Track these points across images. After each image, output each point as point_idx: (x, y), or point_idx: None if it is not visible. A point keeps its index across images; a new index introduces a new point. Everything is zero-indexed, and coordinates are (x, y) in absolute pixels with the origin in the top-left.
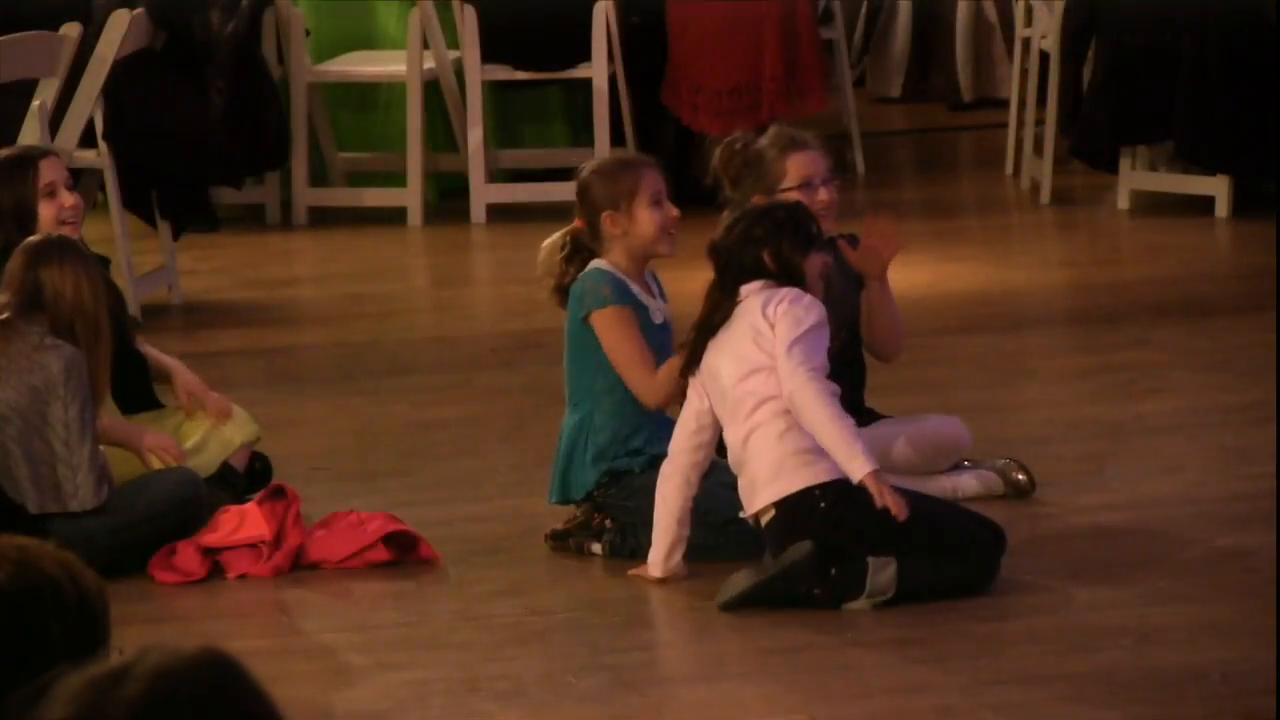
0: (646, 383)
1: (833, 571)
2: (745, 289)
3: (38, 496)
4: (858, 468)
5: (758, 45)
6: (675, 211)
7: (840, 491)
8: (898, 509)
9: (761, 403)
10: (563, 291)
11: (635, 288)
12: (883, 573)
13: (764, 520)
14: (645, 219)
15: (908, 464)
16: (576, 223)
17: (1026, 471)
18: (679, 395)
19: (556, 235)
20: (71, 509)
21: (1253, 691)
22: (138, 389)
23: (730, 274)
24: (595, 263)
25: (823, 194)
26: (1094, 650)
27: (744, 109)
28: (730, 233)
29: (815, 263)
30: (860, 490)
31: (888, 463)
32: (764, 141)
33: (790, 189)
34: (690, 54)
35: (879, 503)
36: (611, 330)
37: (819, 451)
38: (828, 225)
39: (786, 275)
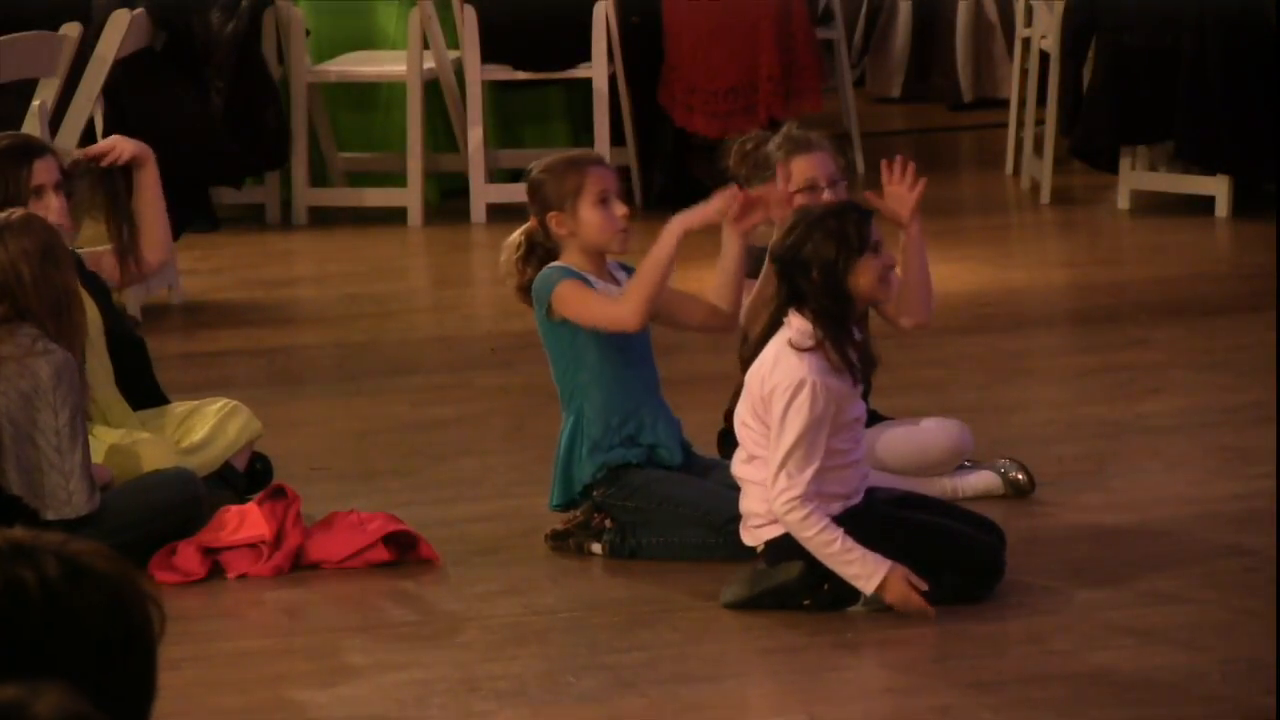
0: (620, 313)
1: (825, 586)
2: (790, 316)
3: (30, 503)
4: (863, 586)
5: (753, 46)
6: (624, 209)
7: None
8: (921, 609)
9: (751, 459)
10: (525, 290)
11: (593, 279)
12: None
13: (757, 549)
14: (590, 219)
15: (909, 466)
16: (531, 221)
17: (1026, 471)
18: (653, 305)
19: (515, 234)
20: (65, 516)
21: (1253, 691)
22: (140, 378)
23: (786, 288)
24: (552, 264)
25: (827, 196)
26: (1094, 650)
27: (740, 110)
28: (785, 240)
29: (870, 268)
30: (851, 520)
31: (889, 465)
32: (773, 143)
33: (795, 192)
34: (686, 55)
35: (903, 608)
36: (570, 301)
37: None
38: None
39: (831, 294)
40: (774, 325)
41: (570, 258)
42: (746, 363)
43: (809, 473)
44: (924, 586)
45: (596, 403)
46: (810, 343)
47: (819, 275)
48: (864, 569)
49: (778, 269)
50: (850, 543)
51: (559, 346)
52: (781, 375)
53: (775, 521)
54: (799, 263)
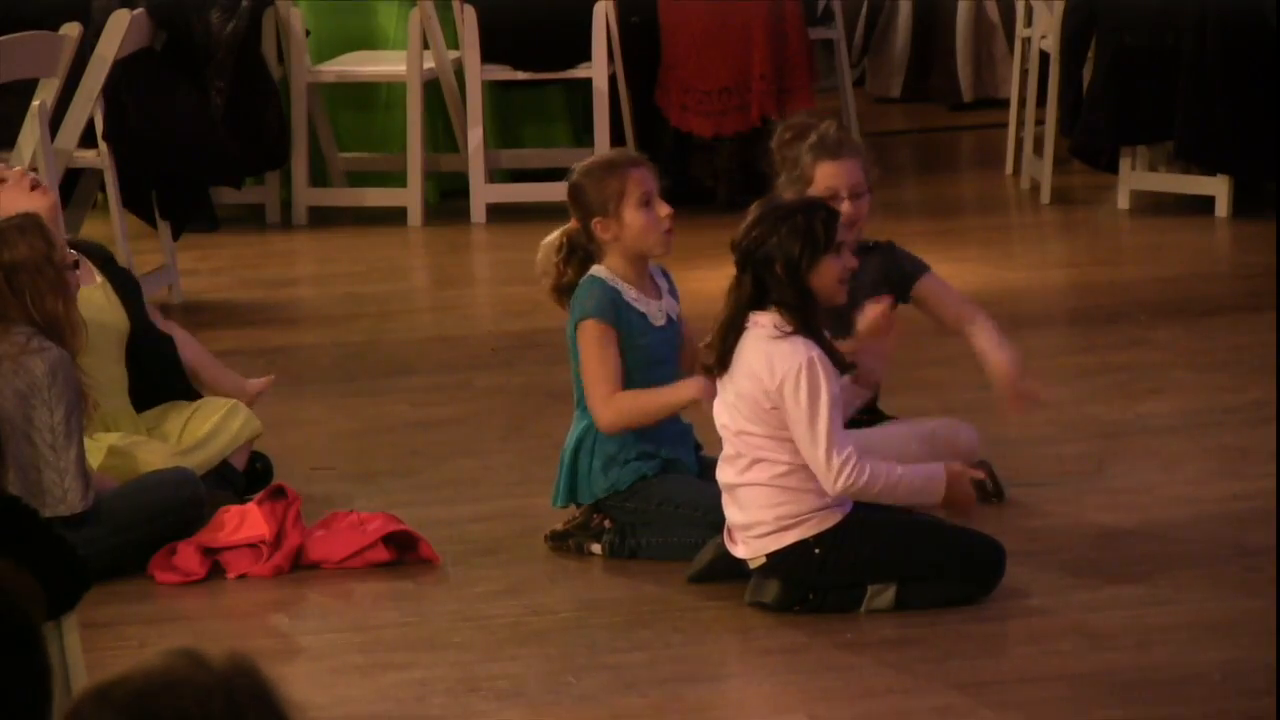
0: (599, 410)
1: (810, 596)
2: (753, 317)
3: (25, 500)
4: (933, 493)
5: (746, 45)
6: (666, 209)
7: (835, 538)
8: (969, 500)
9: (754, 464)
10: (560, 291)
11: (633, 293)
12: (880, 597)
13: (753, 564)
14: (634, 222)
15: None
16: (572, 222)
17: (994, 477)
18: (628, 424)
19: (554, 235)
20: (60, 513)
21: (1253, 691)
22: (168, 376)
23: (749, 279)
24: (594, 269)
25: (846, 207)
26: (1094, 650)
27: (733, 109)
28: (749, 234)
29: (830, 269)
30: (855, 530)
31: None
32: (809, 139)
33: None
34: (681, 55)
35: (967, 490)
36: (586, 345)
37: (811, 511)
38: (846, 237)
39: (794, 290)
40: (731, 321)
41: (612, 262)
42: (709, 368)
43: (848, 438)
44: (980, 475)
45: None
46: (790, 328)
47: (782, 271)
48: (929, 479)
49: (739, 261)
50: (905, 471)
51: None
52: (783, 365)
53: (782, 529)
54: (763, 257)
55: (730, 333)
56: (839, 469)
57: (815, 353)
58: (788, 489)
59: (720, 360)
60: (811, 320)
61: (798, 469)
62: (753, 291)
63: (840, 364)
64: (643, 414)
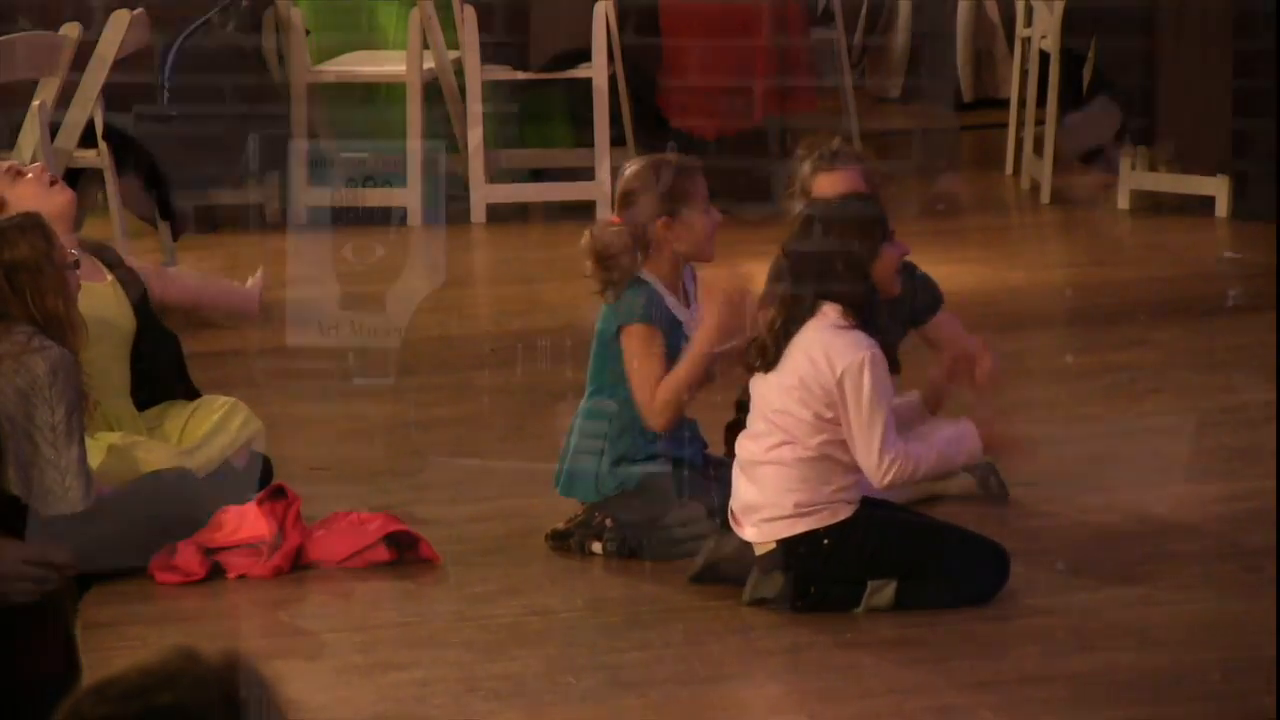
0: (649, 411)
1: (811, 590)
2: (824, 308)
3: (26, 499)
4: (970, 450)
5: (748, 46)
6: (718, 214)
7: (843, 531)
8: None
9: (783, 444)
10: (618, 269)
11: (671, 300)
12: (880, 594)
13: (760, 550)
14: (701, 225)
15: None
16: (613, 219)
17: (998, 477)
18: (678, 417)
19: (612, 225)
20: (61, 512)
21: (1253, 691)
22: (171, 374)
23: (807, 281)
24: (643, 273)
25: None
26: (1094, 650)
27: (735, 110)
28: (804, 237)
29: (889, 259)
30: (863, 526)
31: None
32: (806, 162)
33: None
34: (682, 55)
35: (1003, 443)
36: (635, 348)
37: (825, 503)
38: None
39: (858, 283)
40: (788, 327)
41: (658, 266)
42: (770, 363)
43: (895, 434)
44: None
45: (627, 420)
46: (851, 322)
47: (844, 267)
48: (966, 449)
49: (796, 266)
50: (938, 443)
51: (610, 356)
52: (842, 360)
53: (798, 516)
54: (824, 257)
55: (785, 338)
56: (888, 466)
57: (875, 350)
58: (808, 477)
59: (770, 361)
60: (873, 317)
61: (821, 458)
62: (816, 295)
63: (893, 362)
64: (679, 393)
